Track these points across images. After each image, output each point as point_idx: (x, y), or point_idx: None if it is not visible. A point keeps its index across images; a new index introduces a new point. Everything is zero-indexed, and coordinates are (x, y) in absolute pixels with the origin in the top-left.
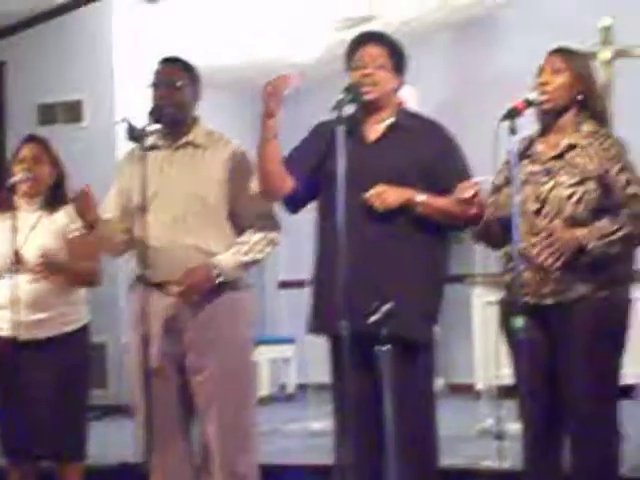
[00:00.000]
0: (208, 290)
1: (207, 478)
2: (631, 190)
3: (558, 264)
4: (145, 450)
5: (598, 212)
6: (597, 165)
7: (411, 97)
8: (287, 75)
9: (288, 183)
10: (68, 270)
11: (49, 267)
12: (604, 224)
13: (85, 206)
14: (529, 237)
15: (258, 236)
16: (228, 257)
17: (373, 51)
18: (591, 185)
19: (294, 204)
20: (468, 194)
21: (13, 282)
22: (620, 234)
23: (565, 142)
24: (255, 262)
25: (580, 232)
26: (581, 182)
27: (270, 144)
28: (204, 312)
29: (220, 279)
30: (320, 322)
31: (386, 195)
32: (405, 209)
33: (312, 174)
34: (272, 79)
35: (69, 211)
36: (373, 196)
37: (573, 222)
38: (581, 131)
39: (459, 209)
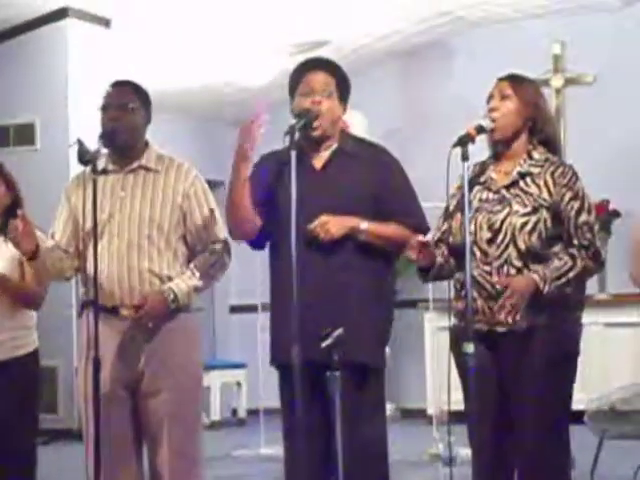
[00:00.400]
0: (163, 316)
1: None
2: (582, 218)
3: (519, 316)
4: (94, 475)
5: (551, 240)
6: (549, 193)
7: (359, 123)
8: (258, 114)
9: (257, 223)
10: (13, 288)
11: None
12: (558, 264)
13: (20, 235)
14: (482, 265)
15: (212, 260)
16: (182, 282)
17: (322, 78)
18: (544, 213)
19: (260, 243)
20: (415, 256)
21: None
22: (574, 273)
23: (517, 170)
24: (206, 288)
25: (536, 276)
26: (534, 211)
27: (243, 187)
28: (158, 336)
29: (174, 305)
30: (278, 353)
31: (329, 225)
32: (350, 237)
33: (266, 207)
34: (246, 121)
35: None
36: (317, 227)
37: (527, 252)
38: (533, 158)
39: (403, 236)
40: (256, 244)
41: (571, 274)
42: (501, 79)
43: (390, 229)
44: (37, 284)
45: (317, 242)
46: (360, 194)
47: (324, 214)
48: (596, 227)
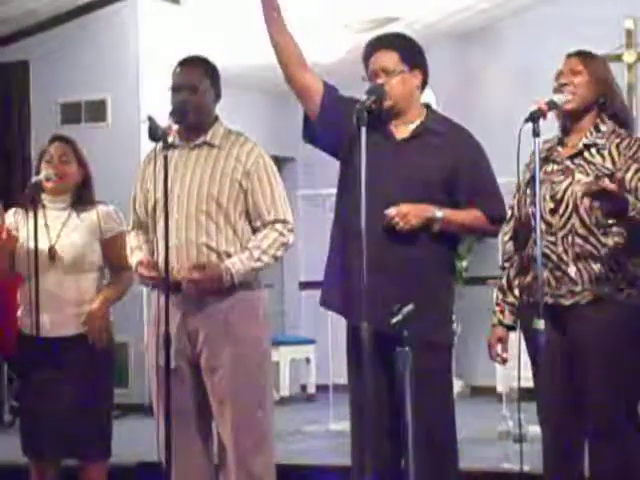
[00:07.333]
0: (217, 290)
1: (225, 478)
2: None
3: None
4: (165, 449)
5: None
6: (613, 163)
7: (427, 97)
8: None
9: (310, 76)
10: (110, 302)
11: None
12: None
13: None
14: (547, 236)
15: (271, 238)
16: (239, 263)
17: (383, 58)
18: (606, 182)
19: (311, 130)
20: None
21: (42, 279)
22: None
23: (583, 141)
24: (266, 267)
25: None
26: (596, 179)
27: (276, 21)
28: (217, 312)
29: (229, 284)
30: (333, 300)
31: (410, 216)
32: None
33: (334, 134)
34: None
35: (100, 212)
36: (397, 216)
37: (589, 221)
38: (600, 131)
39: (477, 224)
40: (307, 128)
41: None
42: (570, 55)
43: (463, 216)
44: (126, 267)
45: (393, 229)
46: (440, 171)
47: (400, 189)
48: None
